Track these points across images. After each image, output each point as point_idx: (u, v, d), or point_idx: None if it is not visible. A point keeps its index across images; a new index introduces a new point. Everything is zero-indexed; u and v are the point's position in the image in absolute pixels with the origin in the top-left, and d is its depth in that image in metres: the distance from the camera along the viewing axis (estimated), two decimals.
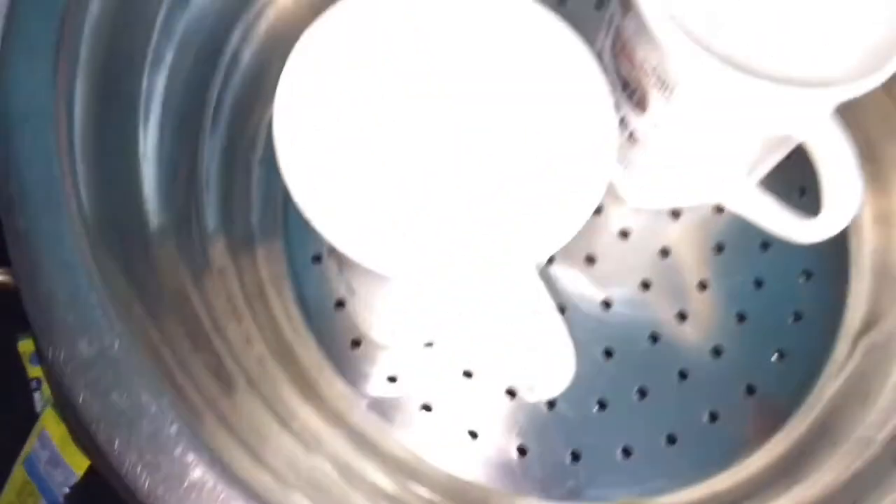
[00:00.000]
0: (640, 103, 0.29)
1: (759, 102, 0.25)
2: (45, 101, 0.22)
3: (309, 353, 0.30)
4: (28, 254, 0.21)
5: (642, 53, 0.27)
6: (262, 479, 0.23)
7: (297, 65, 0.23)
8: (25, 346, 0.46)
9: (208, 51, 0.31)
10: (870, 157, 0.35)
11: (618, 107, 0.30)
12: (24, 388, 0.46)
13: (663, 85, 0.27)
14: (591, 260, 0.33)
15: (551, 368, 0.23)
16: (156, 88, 0.29)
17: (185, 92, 0.30)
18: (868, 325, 0.32)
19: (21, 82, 0.22)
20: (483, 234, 0.22)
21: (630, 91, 0.29)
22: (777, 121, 0.26)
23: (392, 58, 0.24)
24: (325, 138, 0.23)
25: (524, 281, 0.23)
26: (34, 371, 0.46)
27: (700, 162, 0.30)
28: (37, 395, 0.46)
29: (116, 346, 0.20)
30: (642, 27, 0.26)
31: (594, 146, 0.23)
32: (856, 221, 0.34)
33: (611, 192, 0.33)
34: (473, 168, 0.23)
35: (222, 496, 0.20)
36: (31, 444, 0.44)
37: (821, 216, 0.27)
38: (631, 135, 0.31)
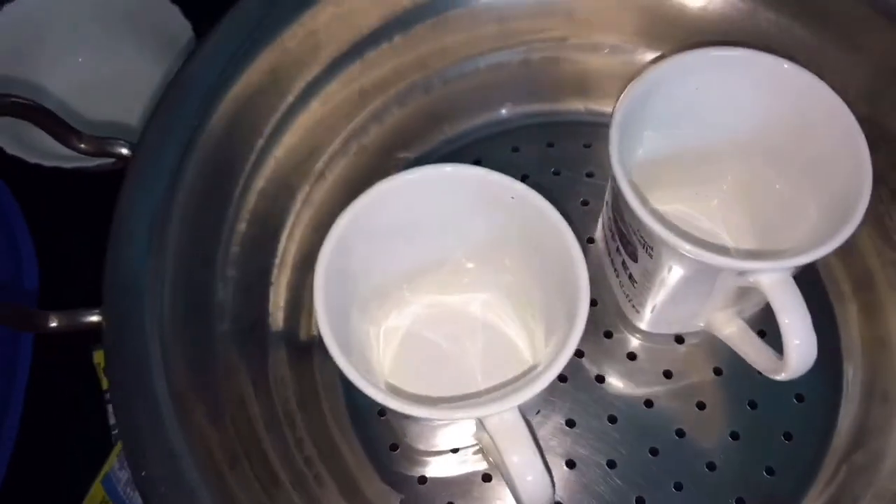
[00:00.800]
0: (632, 256, 0.34)
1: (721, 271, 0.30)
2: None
3: (354, 454, 0.36)
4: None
5: (629, 219, 0.32)
6: None
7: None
8: (100, 356, 0.47)
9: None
10: (865, 286, 0.38)
11: (619, 253, 0.36)
12: (99, 399, 0.46)
13: (645, 245, 0.32)
14: (600, 379, 0.37)
15: (526, 496, 0.28)
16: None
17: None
18: (854, 447, 0.36)
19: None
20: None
21: (625, 243, 0.34)
22: (740, 280, 0.31)
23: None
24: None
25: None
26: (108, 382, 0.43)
27: (685, 300, 0.34)
28: (110, 407, 0.46)
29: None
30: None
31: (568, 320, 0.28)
32: (848, 347, 0.38)
33: (622, 317, 0.38)
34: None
35: None
36: (111, 463, 0.44)
37: (781, 363, 0.31)
38: (630, 276, 0.36)
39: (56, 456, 0.46)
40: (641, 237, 0.32)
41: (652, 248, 0.32)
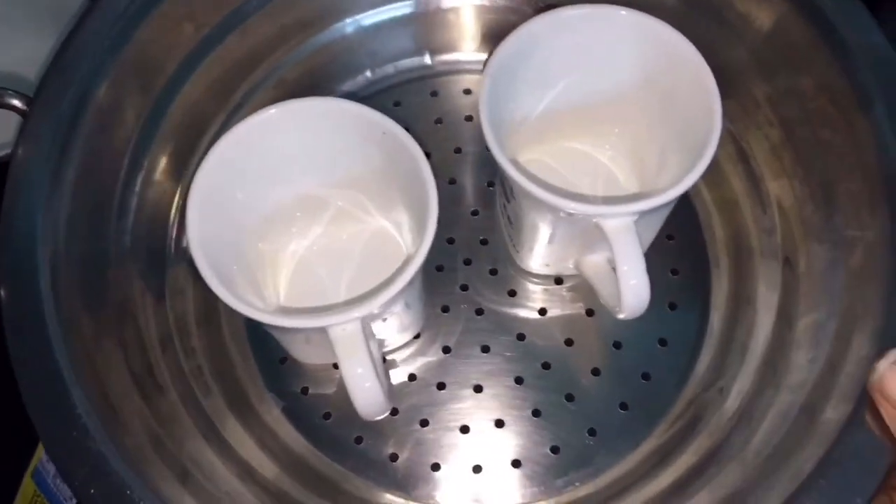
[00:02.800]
0: (507, 197, 0.36)
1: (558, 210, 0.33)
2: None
3: (245, 366, 0.40)
4: None
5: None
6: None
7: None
8: None
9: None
10: (739, 249, 0.41)
11: (502, 195, 0.38)
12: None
13: (506, 186, 0.35)
14: (480, 311, 0.40)
15: (359, 404, 0.31)
16: None
17: None
18: (705, 388, 0.38)
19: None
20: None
21: (503, 186, 0.37)
22: (590, 224, 0.33)
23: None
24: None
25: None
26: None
27: (550, 242, 0.37)
28: None
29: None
30: None
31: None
32: (717, 301, 0.40)
33: (507, 256, 0.41)
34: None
35: None
36: (38, 457, 0.44)
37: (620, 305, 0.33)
38: (508, 217, 0.38)
39: None
40: (503, 178, 0.34)
41: (512, 190, 0.34)
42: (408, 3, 0.44)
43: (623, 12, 0.35)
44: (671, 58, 0.35)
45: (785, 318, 0.37)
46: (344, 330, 0.31)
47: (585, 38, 0.36)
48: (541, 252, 0.38)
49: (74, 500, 0.42)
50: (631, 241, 0.32)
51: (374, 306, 0.31)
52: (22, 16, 0.50)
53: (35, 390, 0.31)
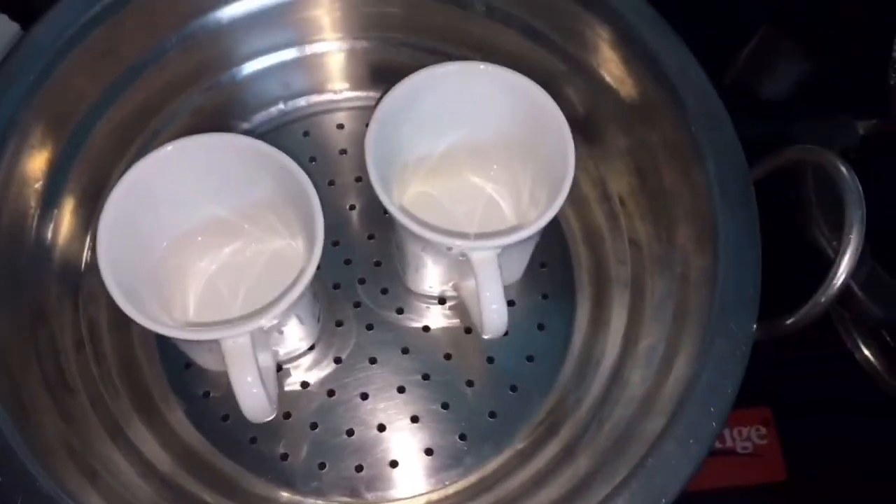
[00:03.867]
0: (394, 227, 0.41)
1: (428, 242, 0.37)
2: None
3: (152, 370, 0.43)
4: None
5: None
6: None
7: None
8: None
9: None
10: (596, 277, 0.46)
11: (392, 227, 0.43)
12: None
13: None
14: (370, 327, 0.45)
15: (245, 409, 0.35)
16: None
17: None
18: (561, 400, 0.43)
19: None
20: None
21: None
22: (459, 255, 0.38)
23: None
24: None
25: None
26: None
27: (428, 267, 0.42)
28: None
29: None
30: None
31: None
32: (578, 326, 0.45)
33: (397, 277, 0.45)
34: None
35: None
36: None
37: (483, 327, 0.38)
38: (395, 243, 0.43)
39: None
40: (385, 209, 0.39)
41: (395, 224, 0.39)
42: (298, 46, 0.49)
43: (484, 67, 0.40)
44: (532, 107, 0.40)
45: (630, 340, 0.42)
46: (235, 342, 0.35)
47: (462, 90, 0.41)
48: (423, 276, 0.43)
49: None
50: (492, 271, 0.37)
51: (264, 320, 0.36)
52: None
53: None
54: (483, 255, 0.37)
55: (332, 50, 0.49)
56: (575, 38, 0.44)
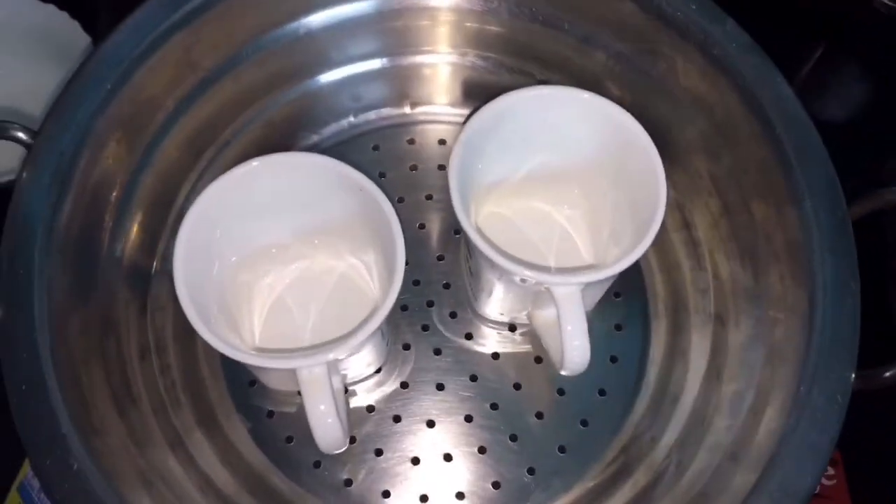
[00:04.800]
0: (469, 252, 0.40)
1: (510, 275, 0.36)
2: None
3: (216, 386, 0.43)
4: None
5: None
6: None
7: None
8: None
9: None
10: (677, 305, 0.44)
11: (465, 246, 0.41)
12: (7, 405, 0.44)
13: (469, 245, 0.38)
14: (438, 352, 0.44)
15: (320, 440, 0.34)
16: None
17: None
18: (636, 437, 0.42)
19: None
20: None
21: (466, 243, 0.40)
22: (540, 287, 0.37)
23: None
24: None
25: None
26: None
27: (505, 296, 0.40)
28: None
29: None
30: None
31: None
32: (654, 356, 0.44)
33: (467, 301, 0.44)
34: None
35: None
36: (25, 471, 0.46)
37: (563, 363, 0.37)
38: (469, 268, 0.42)
39: None
40: (466, 237, 0.38)
41: (472, 249, 0.38)
42: (385, 58, 0.48)
43: (584, 94, 0.39)
44: (624, 139, 0.38)
45: (713, 381, 0.40)
46: (311, 372, 0.34)
47: (551, 114, 0.39)
48: (497, 303, 0.42)
49: None
50: (576, 307, 0.36)
51: (340, 353, 0.35)
52: (25, 50, 0.52)
53: (22, 403, 0.34)
54: (567, 291, 0.36)
55: (415, 63, 0.48)
56: (663, 62, 0.42)
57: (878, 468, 0.50)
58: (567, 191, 0.43)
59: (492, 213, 0.43)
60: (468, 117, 0.38)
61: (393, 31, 0.46)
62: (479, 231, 0.37)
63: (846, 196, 0.37)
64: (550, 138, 0.40)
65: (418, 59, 0.47)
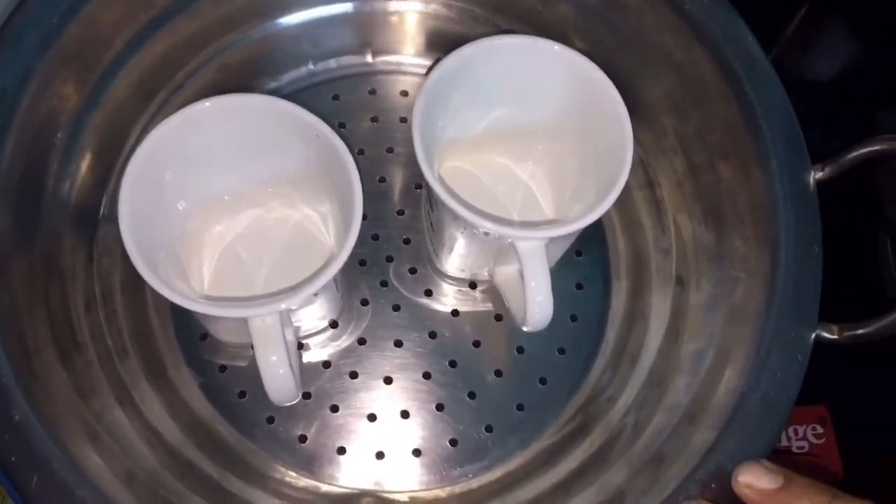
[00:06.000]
0: (431, 205, 0.39)
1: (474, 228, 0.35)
2: None
3: (166, 338, 0.41)
4: None
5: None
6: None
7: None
8: None
9: None
10: (638, 267, 0.44)
11: (427, 201, 0.40)
12: None
13: (431, 197, 0.37)
14: (396, 308, 0.43)
15: (271, 391, 0.33)
16: None
17: None
18: (594, 396, 0.42)
19: None
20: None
21: (428, 193, 0.39)
22: (504, 242, 0.36)
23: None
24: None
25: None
26: None
27: (466, 251, 0.39)
28: None
29: None
30: None
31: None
32: (613, 317, 0.43)
33: (427, 258, 0.43)
34: None
35: None
36: None
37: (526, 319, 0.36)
38: (430, 223, 0.41)
39: None
40: (429, 191, 0.37)
41: (435, 202, 0.37)
42: (350, 3, 0.46)
43: (552, 45, 0.37)
44: (593, 93, 0.37)
45: (672, 339, 0.40)
46: (263, 321, 0.33)
47: (517, 65, 0.38)
48: (458, 258, 0.41)
49: None
50: (540, 262, 0.35)
51: (294, 302, 0.33)
52: None
53: None
54: (531, 245, 0.35)
55: (379, 10, 0.46)
56: (633, 16, 0.42)
57: (867, 425, 0.50)
58: (531, 145, 0.42)
59: (454, 167, 0.42)
60: (431, 67, 0.37)
61: None
62: (443, 183, 0.36)
63: (837, 150, 0.37)
64: (515, 90, 0.39)
65: (383, 5, 0.46)
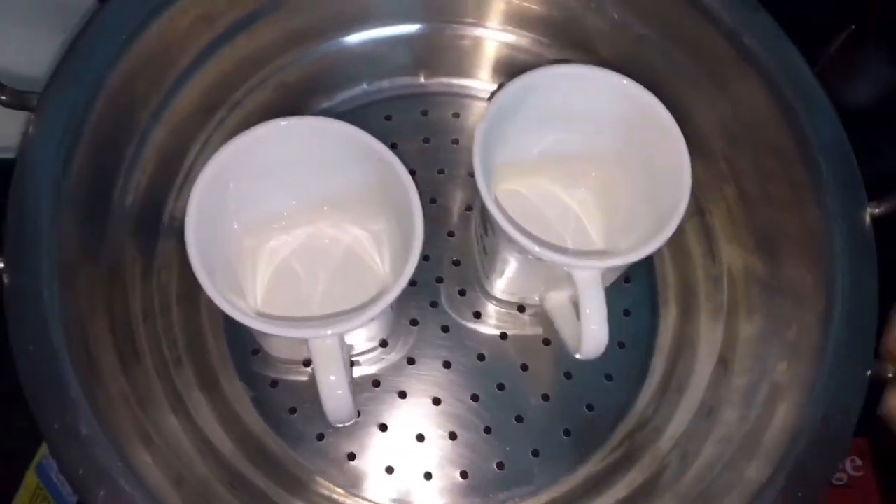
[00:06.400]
0: (485, 229, 0.39)
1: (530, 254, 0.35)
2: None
3: (219, 350, 0.42)
4: None
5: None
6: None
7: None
8: None
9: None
10: (687, 293, 0.44)
11: (480, 224, 0.41)
12: None
13: (486, 222, 0.37)
14: (446, 329, 0.43)
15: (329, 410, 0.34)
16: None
17: None
18: (639, 426, 0.42)
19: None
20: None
21: (483, 217, 0.39)
22: (560, 269, 0.36)
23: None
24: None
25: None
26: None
27: (519, 276, 0.40)
28: None
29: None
30: None
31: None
32: (661, 344, 0.44)
33: (477, 280, 0.44)
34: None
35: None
36: (42, 451, 0.46)
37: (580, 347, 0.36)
38: (483, 246, 0.41)
39: None
40: (485, 215, 0.37)
41: (491, 227, 0.37)
42: (414, 25, 0.46)
43: (608, 74, 0.38)
44: (649, 123, 0.38)
45: (722, 369, 0.40)
46: (323, 342, 0.33)
47: (573, 92, 0.38)
48: (509, 282, 0.41)
49: (75, 498, 0.44)
50: (597, 291, 0.35)
51: (353, 324, 0.34)
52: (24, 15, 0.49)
53: (30, 364, 0.33)
54: (588, 275, 0.35)
55: (439, 33, 0.47)
56: (691, 47, 0.42)
57: None
58: (584, 172, 0.42)
59: (507, 189, 0.43)
60: (494, 92, 0.37)
61: None
62: (500, 206, 0.37)
63: (870, 181, 0.37)
64: (571, 117, 0.39)
65: (443, 28, 0.46)
